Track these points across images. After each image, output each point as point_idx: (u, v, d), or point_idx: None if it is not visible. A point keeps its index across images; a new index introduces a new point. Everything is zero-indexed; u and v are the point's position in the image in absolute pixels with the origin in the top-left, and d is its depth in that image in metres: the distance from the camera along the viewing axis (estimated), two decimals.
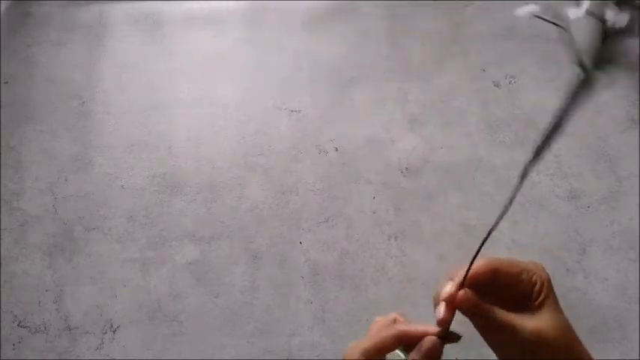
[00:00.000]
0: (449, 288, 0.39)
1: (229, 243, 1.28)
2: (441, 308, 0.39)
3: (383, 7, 1.59)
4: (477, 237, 1.32)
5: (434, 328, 0.40)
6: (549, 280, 0.40)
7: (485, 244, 0.42)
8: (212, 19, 1.60)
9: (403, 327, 0.40)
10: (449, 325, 0.40)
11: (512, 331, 0.37)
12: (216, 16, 1.61)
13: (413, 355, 0.39)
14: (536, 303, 0.39)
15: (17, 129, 1.43)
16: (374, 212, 1.31)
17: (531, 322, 0.38)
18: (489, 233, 0.38)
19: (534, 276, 0.40)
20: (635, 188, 1.31)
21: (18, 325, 1.21)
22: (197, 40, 1.56)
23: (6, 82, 1.50)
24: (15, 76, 1.51)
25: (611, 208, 1.29)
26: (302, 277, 1.24)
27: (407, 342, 0.40)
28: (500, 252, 1.24)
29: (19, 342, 1.19)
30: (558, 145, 1.43)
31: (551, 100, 1.44)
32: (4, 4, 1.63)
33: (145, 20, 1.60)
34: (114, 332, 1.20)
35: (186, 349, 1.18)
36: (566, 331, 0.38)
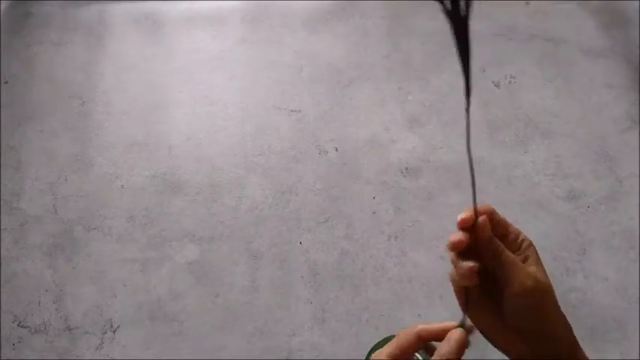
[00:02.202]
0: (468, 213, 0.40)
1: (229, 243, 1.28)
2: (460, 233, 0.39)
3: (383, 7, 1.59)
4: None
5: (452, 323, 0.40)
6: (534, 247, 0.41)
7: None
8: (212, 19, 1.60)
9: (422, 325, 0.40)
10: (465, 315, 0.41)
11: (516, 268, 0.38)
12: (216, 16, 1.61)
13: (442, 346, 0.39)
14: (524, 256, 0.40)
15: (17, 129, 1.43)
16: (374, 212, 1.31)
17: (528, 267, 0.38)
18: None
19: (522, 234, 0.42)
20: (635, 188, 1.31)
21: (18, 325, 1.21)
22: (197, 40, 1.56)
23: (6, 82, 1.50)
24: (15, 76, 1.51)
25: (611, 208, 1.29)
26: (302, 277, 1.24)
27: (428, 339, 0.40)
28: None
29: (19, 342, 1.19)
30: (558, 145, 1.43)
31: (551, 100, 1.44)
32: (4, 4, 1.63)
33: (145, 20, 1.60)
34: (114, 332, 1.20)
35: (186, 349, 1.18)
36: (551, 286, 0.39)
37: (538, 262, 0.40)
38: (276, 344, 1.17)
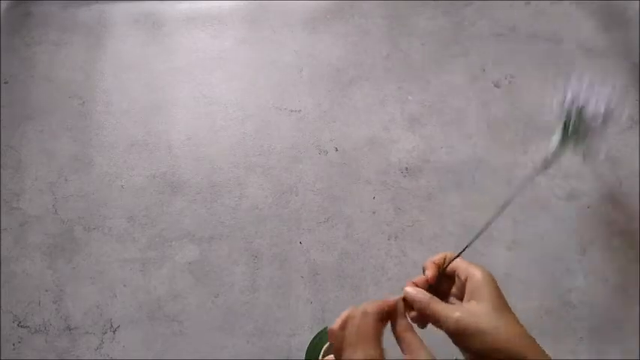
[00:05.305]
0: (406, 289, 0.50)
1: (229, 243, 1.28)
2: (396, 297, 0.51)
3: (383, 7, 1.59)
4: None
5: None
6: (487, 281, 0.45)
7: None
8: (212, 19, 1.60)
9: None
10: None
11: (441, 320, 0.44)
12: (216, 16, 1.61)
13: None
14: (468, 297, 0.45)
15: (17, 129, 1.43)
16: (374, 212, 1.31)
17: (455, 311, 0.43)
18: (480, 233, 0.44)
19: (469, 274, 0.46)
20: (635, 188, 1.31)
21: (18, 325, 1.21)
22: (197, 40, 1.56)
23: (6, 82, 1.50)
24: (15, 76, 1.51)
25: (611, 208, 1.29)
26: (302, 277, 1.24)
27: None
28: (500, 252, 1.24)
29: (19, 342, 1.19)
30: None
31: (551, 100, 1.44)
32: (4, 4, 1.63)
33: (145, 20, 1.60)
34: (114, 332, 1.20)
35: (186, 349, 1.18)
36: (491, 322, 0.42)
37: (477, 300, 0.44)
38: (276, 344, 1.18)
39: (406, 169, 1.36)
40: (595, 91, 0.43)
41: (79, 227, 1.30)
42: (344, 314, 0.48)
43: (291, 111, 1.44)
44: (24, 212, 1.32)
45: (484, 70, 1.48)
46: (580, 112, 0.43)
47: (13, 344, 1.19)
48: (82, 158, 1.39)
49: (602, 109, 0.42)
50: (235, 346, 1.18)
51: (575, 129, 0.44)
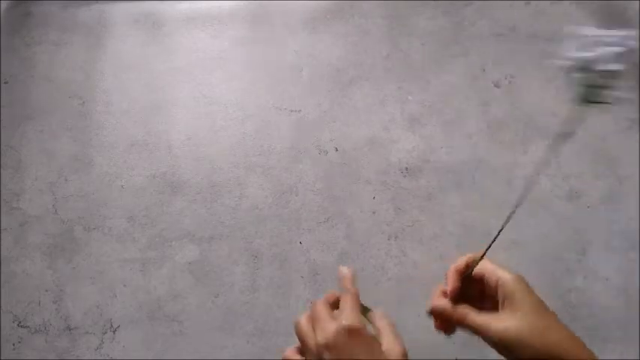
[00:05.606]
0: (433, 301, 0.50)
1: (229, 243, 1.28)
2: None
3: (383, 7, 1.59)
4: (476, 237, 1.32)
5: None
6: (519, 285, 0.45)
7: (486, 245, 0.45)
8: (212, 19, 1.60)
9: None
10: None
11: (482, 332, 0.43)
12: (216, 16, 1.61)
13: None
14: (503, 304, 0.44)
15: (17, 129, 1.43)
16: (374, 212, 1.31)
17: (498, 323, 0.42)
18: (496, 236, 0.43)
19: (499, 280, 0.45)
20: (635, 188, 1.31)
21: (18, 325, 1.21)
22: (197, 40, 1.56)
23: (6, 82, 1.50)
24: (15, 76, 1.51)
25: (611, 208, 1.29)
26: (302, 277, 1.24)
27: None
28: (500, 253, 1.24)
29: (19, 342, 1.19)
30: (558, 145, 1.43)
31: (551, 101, 1.44)
32: (4, 4, 1.63)
33: (145, 20, 1.60)
34: (114, 332, 1.20)
35: (186, 349, 1.18)
36: (534, 331, 0.41)
37: (514, 308, 0.43)
38: (276, 344, 1.18)
39: (406, 169, 1.36)
40: (602, 37, 0.38)
41: (79, 227, 1.30)
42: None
43: (291, 111, 1.44)
44: (24, 212, 1.32)
45: (484, 70, 1.48)
46: (592, 60, 0.38)
47: (13, 344, 1.19)
48: (82, 158, 1.39)
49: (615, 52, 0.38)
50: (235, 346, 1.18)
51: (591, 80, 0.40)
